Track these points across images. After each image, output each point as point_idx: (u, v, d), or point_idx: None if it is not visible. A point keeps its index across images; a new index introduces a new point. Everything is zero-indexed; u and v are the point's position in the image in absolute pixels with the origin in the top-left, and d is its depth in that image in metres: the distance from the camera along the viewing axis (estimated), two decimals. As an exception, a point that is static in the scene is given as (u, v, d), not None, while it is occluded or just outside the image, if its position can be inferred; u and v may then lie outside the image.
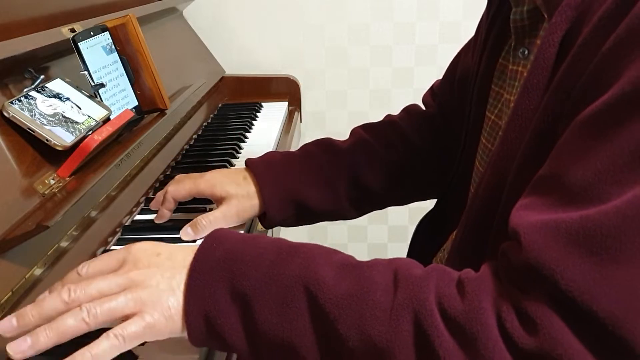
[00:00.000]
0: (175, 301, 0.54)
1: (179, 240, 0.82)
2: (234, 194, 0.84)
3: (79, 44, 0.85)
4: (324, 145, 0.92)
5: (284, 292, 0.53)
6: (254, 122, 1.43)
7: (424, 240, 0.95)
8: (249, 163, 0.88)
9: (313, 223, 0.93)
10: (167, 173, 1.07)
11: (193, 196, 0.87)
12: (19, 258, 0.65)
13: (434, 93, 0.99)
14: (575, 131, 0.49)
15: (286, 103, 1.60)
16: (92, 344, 0.52)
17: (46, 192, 0.71)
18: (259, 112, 1.51)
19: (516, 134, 0.57)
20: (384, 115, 1.01)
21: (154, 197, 0.98)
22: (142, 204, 0.95)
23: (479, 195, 0.62)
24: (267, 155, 0.90)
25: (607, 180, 0.46)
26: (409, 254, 0.96)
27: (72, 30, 0.87)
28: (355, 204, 0.91)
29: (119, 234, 0.86)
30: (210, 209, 0.88)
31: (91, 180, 0.76)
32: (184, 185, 0.86)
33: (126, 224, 0.89)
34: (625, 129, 0.45)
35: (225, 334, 0.54)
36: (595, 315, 0.45)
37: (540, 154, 0.53)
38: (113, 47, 0.94)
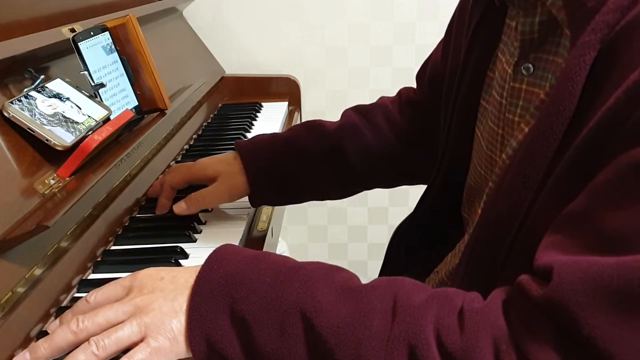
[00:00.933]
0: (178, 323, 0.55)
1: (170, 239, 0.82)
2: (224, 172, 0.89)
3: (79, 44, 0.85)
4: (311, 127, 0.94)
5: (281, 317, 0.53)
6: (254, 122, 1.43)
7: (403, 257, 0.91)
8: (237, 144, 0.92)
9: (299, 202, 0.95)
10: (167, 173, 1.07)
11: (188, 182, 0.92)
12: (19, 258, 0.65)
13: (420, 78, 0.98)
14: (621, 172, 0.45)
15: (286, 103, 1.59)
16: None
17: (46, 192, 0.71)
18: (259, 112, 1.51)
19: (535, 159, 0.53)
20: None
21: (154, 197, 0.99)
22: (142, 204, 0.95)
23: (493, 213, 0.59)
24: (256, 137, 0.94)
25: None
26: (381, 273, 0.93)
27: (72, 30, 0.87)
28: (339, 184, 0.94)
29: (119, 233, 0.86)
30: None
31: (91, 180, 0.76)
32: (178, 173, 0.91)
33: (126, 224, 0.89)
34: None
35: (227, 357, 0.54)
36: None
37: (572, 183, 0.49)
38: (113, 47, 0.94)
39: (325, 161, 0.91)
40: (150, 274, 0.59)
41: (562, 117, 0.50)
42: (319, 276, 0.55)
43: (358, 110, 0.97)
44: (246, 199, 0.91)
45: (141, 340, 0.55)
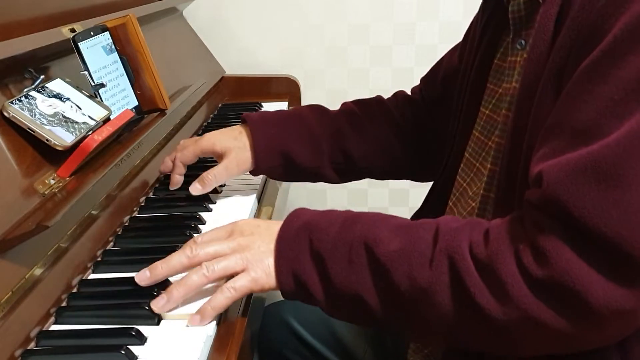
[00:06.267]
0: (272, 261, 0.67)
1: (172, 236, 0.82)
2: (232, 147, 0.94)
3: (79, 44, 0.85)
4: (315, 108, 1.02)
5: (349, 250, 0.65)
6: (254, 122, 1.42)
7: None
8: (245, 116, 0.98)
9: (297, 180, 1.02)
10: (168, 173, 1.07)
11: (198, 156, 0.97)
12: (19, 258, 0.65)
13: (420, 87, 1.06)
14: (576, 80, 0.56)
15: (286, 103, 1.59)
16: (210, 299, 0.66)
17: (46, 192, 0.71)
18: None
19: (529, 95, 0.64)
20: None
21: (154, 197, 0.99)
22: (142, 204, 0.95)
23: (504, 164, 0.68)
24: (262, 112, 1.01)
25: (607, 115, 0.53)
26: None
27: (72, 30, 0.87)
28: (337, 166, 0.99)
29: (119, 233, 0.86)
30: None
31: (91, 180, 0.76)
32: (188, 149, 0.96)
33: (126, 224, 0.89)
34: (620, 68, 0.52)
35: (309, 288, 0.66)
36: (604, 236, 0.52)
37: (550, 104, 0.60)
38: (113, 47, 0.94)
39: (325, 139, 0.97)
40: (249, 222, 0.72)
41: (541, 54, 0.62)
42: (378, 218, 0.67)
43: (356, 102, 1.04)
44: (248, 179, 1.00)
45: (242, 271, 0.67)
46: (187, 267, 0.68)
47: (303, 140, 0.96)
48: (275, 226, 0.70)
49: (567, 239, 0.54)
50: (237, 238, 0.70)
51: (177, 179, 0.97)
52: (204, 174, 0.93)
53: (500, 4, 0.76)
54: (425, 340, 0.80)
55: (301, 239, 0.67)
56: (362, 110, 1.01)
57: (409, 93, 1.06)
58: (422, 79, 1.06)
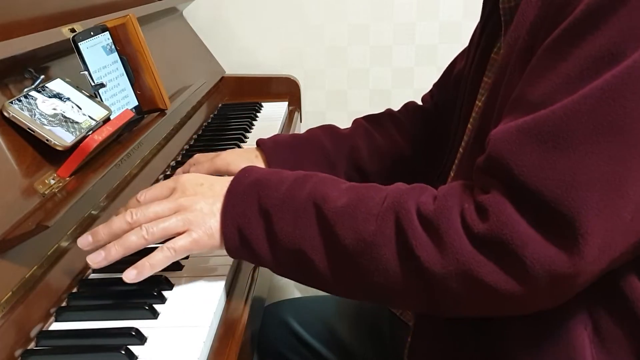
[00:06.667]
0: (215, 222, 0.68)
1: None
2: None
3: (79, 44, 0.85)
4: (328, 130, 1.02)
5: (297, 207, 0.65)
6: (254, 122, 1.42)
7: None
8: (260, 142, 0.99)
9: None
10: (167, 173, 1.07)
11: (212, 174, 0.95)
12: (19, 258, 0.65)
13: (432, 93, 1.07)
14: (539, 56, 0.58)
15: (286, 103, 1.59)
16: (149, 256, 0.66)
17: (46, 192, 0.71)
18: (259, 112, 1.51)
19: (502, 78, 0.65)
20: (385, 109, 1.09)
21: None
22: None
23: (471, 142, 0.71)
24: (276, 136, 1.02)
25: (561, 90, 0.55)
26: None
27: (72, 30, 0.87)
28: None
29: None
30: None
31: (91, 180, 0.76)
32: (202, 166, 0.97)
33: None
34: (578, 47, 0.55)
35: (253, 244, 0.66)
36: (542, 195, 0.54)
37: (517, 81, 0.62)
38: (113, 47, 0.94)
39: (341, 161, 0.98)
40: (190, 179, 0.72)
41: (517, 41, 0.63)
42: (329, 179, 0.69)
43: (367, 117, 1.05)
44: None
45: (183, 232, 0.67)
46: (128, 231, 0.68)
47: (318, 162, 0.97)
48: (218, 185, 0.70)
49: (508, 196, 0.56)
50: (179, 198, 0.70)
51: None
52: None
53: (495, 8, 0.77)
54: (371, 301, 0.79)
55: (249, 195, 0.67)
56: (374, 127, 1.02)
57: (420, 102, 1.07)
58: (435, 84, 1.06)
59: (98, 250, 0.67)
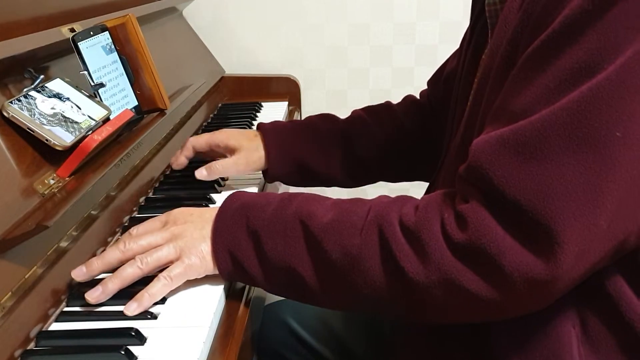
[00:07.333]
0: (206, 246, 0.70)
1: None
2: (245, 146, 0.99)
3: (78, 43, 0.85)
4: (326, 117, 1.06)
5: (284, 226, 0.67)
6: (254, 122, 1.42)
7: None
8: (260, 125, 1.02)
9: (313, 185, 1.04)
10: (167, 173, 1.07)
11: (210, 146, 1.01)
12: (19, 258, 0.65)
13: (427, 89, 1.09)
14: (519, 67, 0.59)
15: (286, 103, 1.59)
16: (148, 286, 0.67)
17: (46, 192, 0.71)
18: (259, 112, 1.51)
19: (485, 86, 0.66)
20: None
21: (154, 197, 0.99)
22: (142, 204, 0.95)
23: (454, 149, 0.73)
24: (276, 121, 1.05)
25: (541, 101, 0.56)
26: None
27: (72, 30, 0.87)
28: (349, 171, 1.03)
29: (119, 233, 0.86)
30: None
31: (91, 180, 0.76)
32: (202, 136, 1.01)
33: (126, 224, 0.89)
34: (557, 58, 0.55)
35: (245, 264, 0.68)
36: (519, 204, 0.55)
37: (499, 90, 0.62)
38: (113, 47, 0.94)
39: (336, 145, 1.01)
40: (182, 211, 0.74)
41: (499, 49, 0.64)
42: (314, 197, 0.71)
43: (365, 108, 1.07)
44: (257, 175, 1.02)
45: (177, 259, 0.69)
46: (122, 260, 0.69)
47: (314, 146, 1.00)
48: (208, 213, 0.72)
49: (486, 205, 0.57)
50: (171, 227, 0.72)
51: (182, 160, 1.02)
52: (212, 162, 0.96)
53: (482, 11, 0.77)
54: (361, 311, 0.80)
55: (238, 218, 0.69)
56: (371, 116, 1.04)
57: (418, 97, 1.09)
58: (428, 82, 1.08)
59: (96, 286, 0.68)
